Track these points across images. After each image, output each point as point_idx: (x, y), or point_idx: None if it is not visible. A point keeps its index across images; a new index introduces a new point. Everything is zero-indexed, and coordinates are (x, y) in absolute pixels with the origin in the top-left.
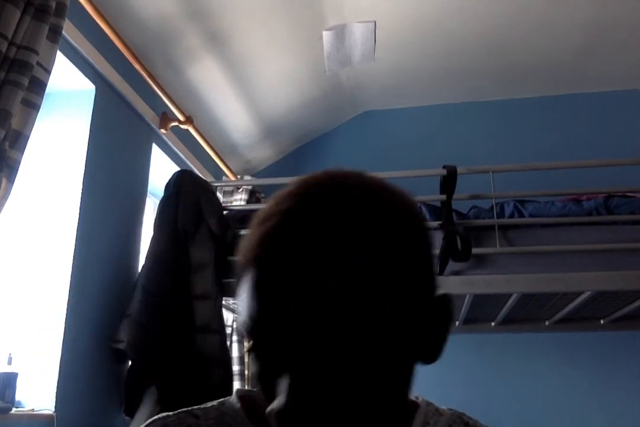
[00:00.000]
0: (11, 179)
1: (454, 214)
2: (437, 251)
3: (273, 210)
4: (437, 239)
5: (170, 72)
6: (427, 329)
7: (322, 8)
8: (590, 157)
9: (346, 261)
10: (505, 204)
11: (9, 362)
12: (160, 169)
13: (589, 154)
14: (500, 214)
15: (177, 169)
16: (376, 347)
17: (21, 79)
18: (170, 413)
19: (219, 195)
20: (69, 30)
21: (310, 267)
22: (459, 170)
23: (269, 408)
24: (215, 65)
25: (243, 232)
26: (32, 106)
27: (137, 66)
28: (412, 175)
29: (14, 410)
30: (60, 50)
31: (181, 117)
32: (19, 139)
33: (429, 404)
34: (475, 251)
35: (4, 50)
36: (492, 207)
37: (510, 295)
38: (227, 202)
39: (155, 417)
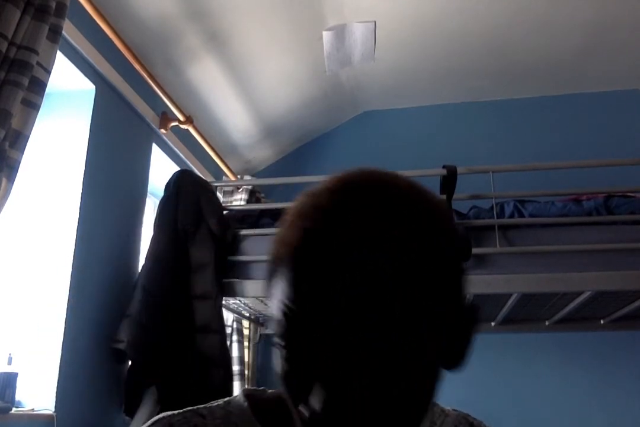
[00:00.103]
0: (11, 179)
1: (454, 214)
2: None
3: (299, 209)
4: None
5: (170, 72)
6: (444, 333)
7: (322, 8)
8: (590, 157)
9: (353, 260)
10: (505, 204)
11: (9, 362)
12: (160, 169)
13: (589, 154)
14: (500, 214)
15: (177, 169)
16: (384, 347)
17: (21, 79)
18: (176, 412)
19: (219, 195)
20: (69, 30)
21: (320, 268)
22: (459, 170)
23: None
24: (215, 65)
25: (243, 232)
26: (32, 106)
27: (137, 66)
28: (412, 175)
29: (14, 410)
30: (60, 50)
31: (181, 117)
32: (19, 139)
33: (434, 404)
34: (475, 251)
35: (4, 50)
36: (492, 207)
37: (510, 295)
38: (227, 202)
39: (161, 415)
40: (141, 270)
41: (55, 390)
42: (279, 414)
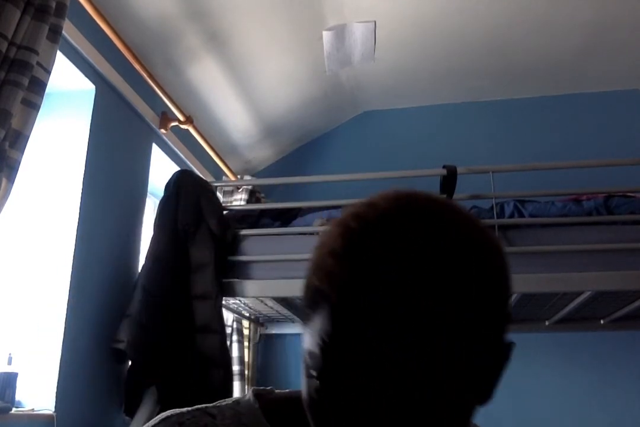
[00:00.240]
0: (11, 179)
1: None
2: None
3: (343, 238)
4: None
5: (170, 72)
6: (485, 379)
7: (322, 8)
8: (590, 157)
9: (398, 311)
10: (505, 204)
11: (9, 362)
12: (160, 169)
13: (589, 154)
14: (500, 214)
15: (177, 169)
16: (419, 403)
17: (21, 79)
18: (184, 410)
19: (219, 195)
20: (69, 30)
21: (364, 311)
22: (459, 170)
23: None
24: (215, 65)
25: (243, 232)
26: (32, 106)
27: (137, 66)
28: (412, 175)
29: (14, 410)
30: (60, 50)
31: (181, 117)
32: (19, 139)
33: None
34: None
35: (4, 50)
36: (492, 207)
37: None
38: (227, 202)
39: (168, 413)
40: (141, 270)
41: (55, 390)
42: (288, 415)
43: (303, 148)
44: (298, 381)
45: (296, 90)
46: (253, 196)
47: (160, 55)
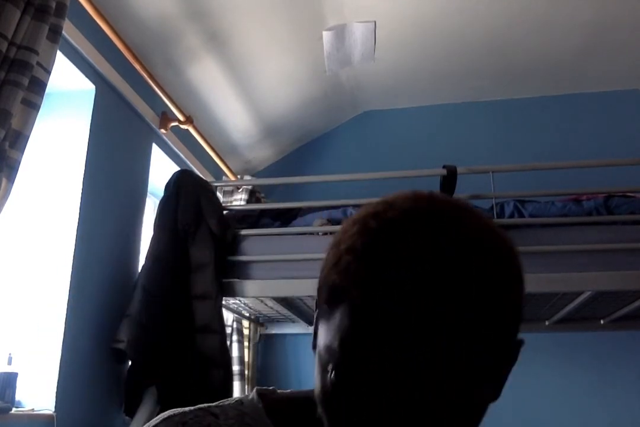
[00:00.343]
0: (11, 179)
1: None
2: None
3: (353, 241)
4: None
5: (170, 72)
6: (500, 373)
7: (322, 8)
8: (590, 157)
9: (421, 324)
10: (505, 204)
11: (9, 362)
12: (160, 169)
13: (589, 154)
14: (500, 214)
15: (177, 169)
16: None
17: (21, 79)
18: (187, 409)
19: (219, 195)
20: (69, 30)
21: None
22: (459, 170)
23: None
24: (215, 65)
25: (243, 232)
26: (32, 106)
27: (137, 66)
28: (412, 175)
29: (14, 410)
30: (60, 50)
31: (181, 117)
32: (19, 139)
33: None
34: None
35: (4, 50)
36: (492, 207)
37: None
38: (227, 202)
39: (170, 412)
40: (141, 270)
41: (55, 390)
42: (292, 416)
43: (303, 148)
44: (298, 381)
45: (296, 90)
46: (253, 196)
47: (160, 55)
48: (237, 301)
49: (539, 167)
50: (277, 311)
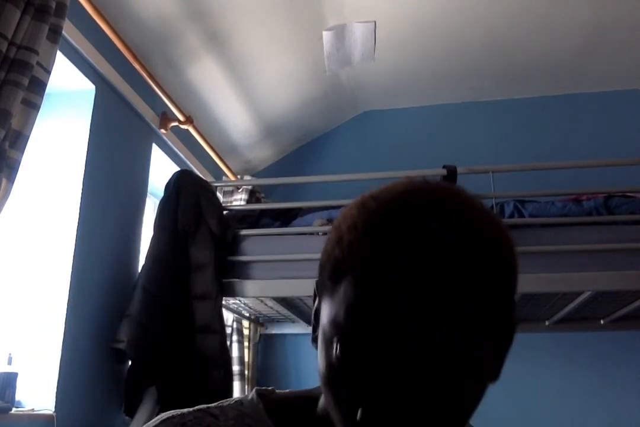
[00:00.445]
0: (11, 179)
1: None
2: None
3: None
4: None
5: (170, 72)
6: (499, 353)
7: (322, 8)
8: (590, 157)
9: (422, 299)
10: (505, 204)
11: (9, 362)
12: (160, 169)
13: (589, 154)
14: (500, 214)
15: (177, 169)
16: (446, 386)
17: (21, 79)
18: (185, 411)
19: (219, 195)
20: (69, 30)
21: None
22: (459, 170)
23: None
24: (215, 65)
25: (243, 232)
26: (32, 106)
27: (137, 66)
28: (412, 176)
29: (14, 410)
30: (60, 50)
31: (181, 117)
32: (19, 139)
33: None
34: None
35: (4, 50)
36: (492, 207)
37: None
38: (227, 202)
39: (169, 414)
40: (141, 270)
41: (55, 390)
42: (291, 415)
43: (303, 148)
44: (298, 381)
45: (296, 90)
46: (253, 196)
47: (160, 55)
48: (237, 301)
49: (539, 167)
50: (277, 311)
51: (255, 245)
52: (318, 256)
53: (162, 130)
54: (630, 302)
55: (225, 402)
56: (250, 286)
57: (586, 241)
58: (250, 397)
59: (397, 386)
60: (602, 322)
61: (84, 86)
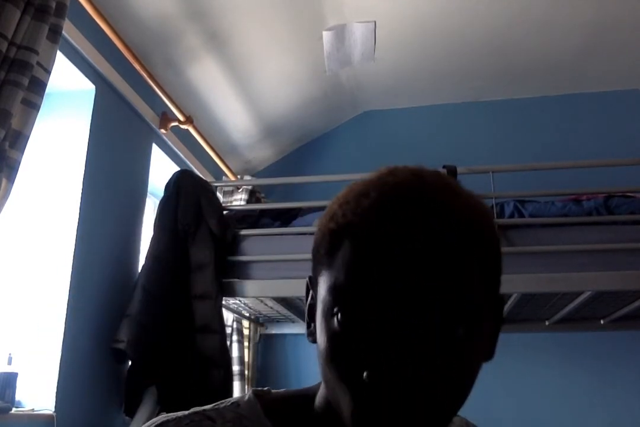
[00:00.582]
0: (11, 179)
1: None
2: None
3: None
4: None
5: (170, 72)
6: (492, 331)
7: (322, 8)
8: (590, 157)
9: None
10: (505, 204)
11: (9, 362)
12: (160, 169)
13: (589, 154)
14: (500, 214)
15: (177, 169)
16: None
17: (21, 79)
18: (180, 414)
19: (219, 195)
20: (69, 30)
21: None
22: (459, 170)
23: (346, 412)
24: (215, 65)
25: (243, 232)
26: (32, 106)
27: (137, 66)
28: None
29: (14, 410)
30: (60, 50)
31: (181, 117)
32: (19, 139)
33: None
34: None
35: (4, 50)
36: (492, 207)
37: (510, 295)
38: (227, 202)
39: (164, 418)
40: (141, 270)
41: (55, 390)
42: (289, 415)
43: (303, 148)
44: (298, 381)
45: (296, 90)
46: (253, 196)
47: (160, 55)
48: (237, 301)
49: (539, 167)
50: (277, 311)
51: (255, 245)
52: None
53: (162, 130)
54: (630, 302)
55: (221, 404)
56: (250, 286)
57: (586, 241)
58: (247, 398)
59: (401, 346)
60: (602, 322)
61: (84, 86)
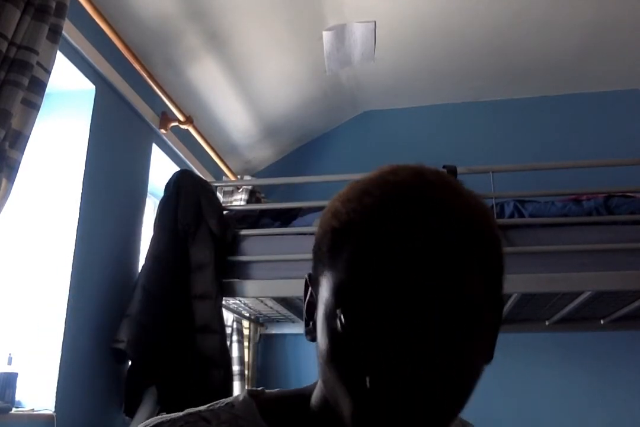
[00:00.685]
0: (11, 179)
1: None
2: None
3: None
4: None
5: (170, 72)
6: (492, 332)
7: (322, 8)
8: (590, 157)
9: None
10: (505, 204)
11: (9, 362)
12: (160, 169)
13: (589, 154)
14: (500, 214)
15: (177, 169)
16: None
17: (21, 79)
18: (175, 416)
19: (219, 195)
20: (69, 30)
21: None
22: (459, 170)
23: (346, 412)
24: (215, 65)
25: (243, 232)
26: (32, 106)
27: (137, 66)
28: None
29: (14, 410)
30: (60, 50)
31: (181, 117)
32: (19, 139)
33: None
34: None
35: (4, 50)
36: (492, 207)
37: (510, 295)
38: (227, 202)
39: (159, 419)
40: (141, 270)
41: (55, 390)
42: (285, 414)
43: (303, 148)
44: (298, 381)
45: (296, 90)
46: (253, 196)
47: (160, 55)
48: (237, 301)
49: (539, 167)
50: (277, 311)
51: (255, 245)
52: None
53: (162, 130)
54: (630, 302)
55: (216, 404)
56: (250, 286)
57: (586, 241)
58: (241, 398)
59: (404, 351)
60: (602, 322)
61: (84, 86)
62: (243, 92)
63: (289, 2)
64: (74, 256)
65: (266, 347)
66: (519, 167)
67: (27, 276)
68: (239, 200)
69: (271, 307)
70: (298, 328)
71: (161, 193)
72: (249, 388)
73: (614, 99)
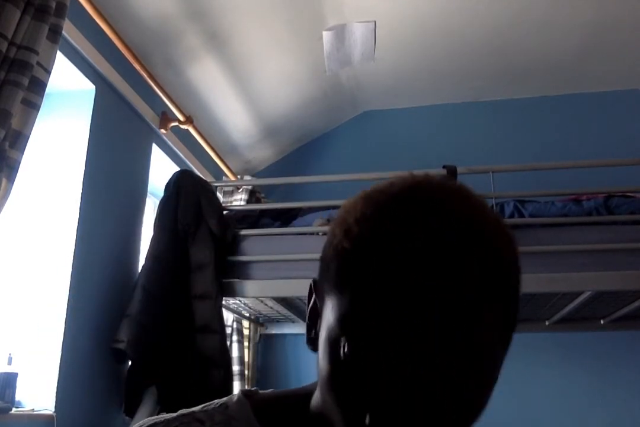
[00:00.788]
0: (11, 179)
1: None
2: None
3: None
4: None
5: (170, 72)
6: (500, 335)
7: (322, 8)
8: (590, 157)
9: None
10: (505, 204)
11: (9, 362)
12: (160, 169)
13: (589, 154)
14: (500, 214)
15: (177, 169)
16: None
17: (21, 79)
18: (169, 417)
19: (219, 195)
20: (69, 30)
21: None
22: (459, 170)
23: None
24: (215, 65)
25: (243, 232)
26: (32, 106)
27: (137, 66)
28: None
29: (14, 410)
30: (60, 50)
31: (181, 117)
32: (19, 139)
33: None
34: None
35: (4, 50)
36: (492, 207)
37: None
38: (227, 202)
39: (152, 421)
40: (141, 270)
41: (55, 390)
42: (279, 415)
43: (303, 148)
44: (298, 381)
45: (296, 90)
46: (253, 196)
47: (160, 55)
48: (237, 301)
49: (539, 167)
50: (277, 311)
51: (255, 245)
52: (318, 255)
53: (162, 130)
54: (630, 302)
55: (210, 405)
56: (250, 286)
57: (586, 241)
58: (235, 398)
59: (409, 390)
60: (602, 322)
61: (84, 86)
62: (243, 92)
63: (289, 2)
64: (74, 256)
65: (266, 347)
66: (519, 167)
67: (27, 276)
68: (239, 201)
69: (271, 307)
70: (298, 328)
71: (161, 193)
72: (243, 389)
73: (614, 99)
